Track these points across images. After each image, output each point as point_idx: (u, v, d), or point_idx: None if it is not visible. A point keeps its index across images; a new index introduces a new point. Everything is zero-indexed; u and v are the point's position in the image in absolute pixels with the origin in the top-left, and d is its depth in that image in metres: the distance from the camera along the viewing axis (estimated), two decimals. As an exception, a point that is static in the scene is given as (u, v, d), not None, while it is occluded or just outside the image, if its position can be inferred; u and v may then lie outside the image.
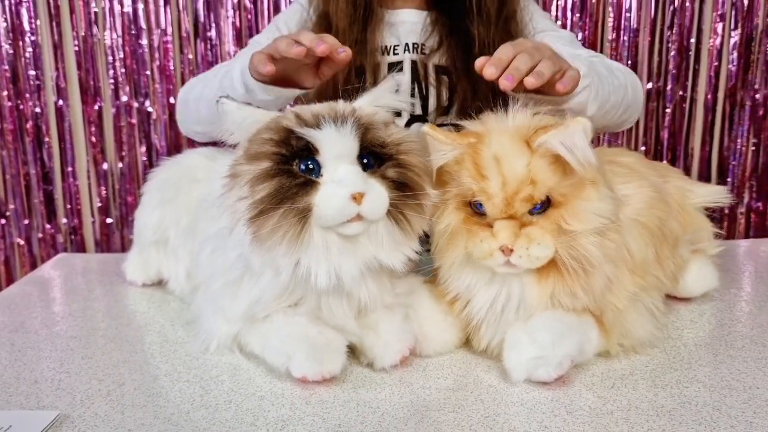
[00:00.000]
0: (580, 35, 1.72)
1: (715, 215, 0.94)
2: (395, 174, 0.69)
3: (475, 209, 0.71)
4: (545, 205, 0.68)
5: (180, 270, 0.95)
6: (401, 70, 1.06)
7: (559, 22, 1.71)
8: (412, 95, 1.06)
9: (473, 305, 0.75)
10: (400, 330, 0.75)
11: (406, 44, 1.07)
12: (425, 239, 0.75)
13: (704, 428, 0.62)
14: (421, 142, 0.75)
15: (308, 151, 0.67)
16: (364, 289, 0.72)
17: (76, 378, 0.74)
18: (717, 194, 0.93)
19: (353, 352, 0.76)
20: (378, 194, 0.67)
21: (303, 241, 0.66)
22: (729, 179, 1.82)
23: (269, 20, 1.68)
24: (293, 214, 0.65)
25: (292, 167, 0.67)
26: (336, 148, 0.67)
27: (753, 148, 1.80)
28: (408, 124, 1.07)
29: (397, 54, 1.07)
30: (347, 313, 0.73)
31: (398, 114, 1.06)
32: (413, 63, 1.07)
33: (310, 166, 0.67)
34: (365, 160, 0.69)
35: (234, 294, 0.75)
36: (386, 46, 1.07)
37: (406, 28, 1.09)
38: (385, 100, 0.75)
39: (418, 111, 1.07)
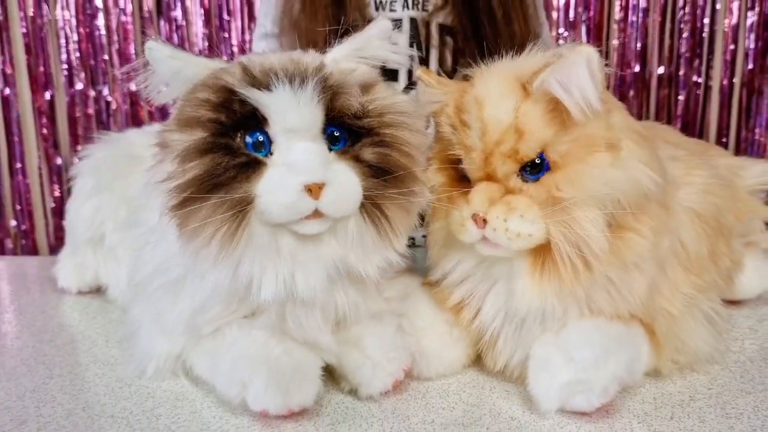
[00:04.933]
0: (584, 16, 1.59)
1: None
2: (373, 155, 0.53)
3: (458, 171, 0.58)
4: (540, 167, 0.53)
5: (120, 273, 0.79)
6: (399, 27, 0.93)
7: (562, 1, 1.57)
8: (410, 58, 0.92)
9: (485, 311, 0.58)
10: (391, 346, 0.59)
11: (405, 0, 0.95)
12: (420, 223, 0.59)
13: (810, 477, 0.45)
14: (418, 112, 0.59)
15: (256, 120, 0.51)
16: (342, 294, 0.56)
17: (-38, 415, 0.56)
18: (776, 173, 0.78)
19: (331, 375, 0.60)
20: (344, 185, 0.52)
21: (239, 241, 0.50)
22: (746, 173, 1.69)
23: (241, -3, 1.53)
24: (227, 207, 0.49)
25: (233, 141, 0.51)
26: (290, 119, 0.51)
27: (772, 139, 1.67)
28: (405, 91, 0.93)
29: (395, 11, 0.94)
30: (321, 326, 0.57)
31: (394, 78, 0.93)
32: (412, 21, 0.94)
33: (260, 139, 0.51)
34: (336, 133, 0.53)
35: (174, 297, 0.59)
36: (380, 1, 0.94)
37: None
38: (372, 50, 0.59)
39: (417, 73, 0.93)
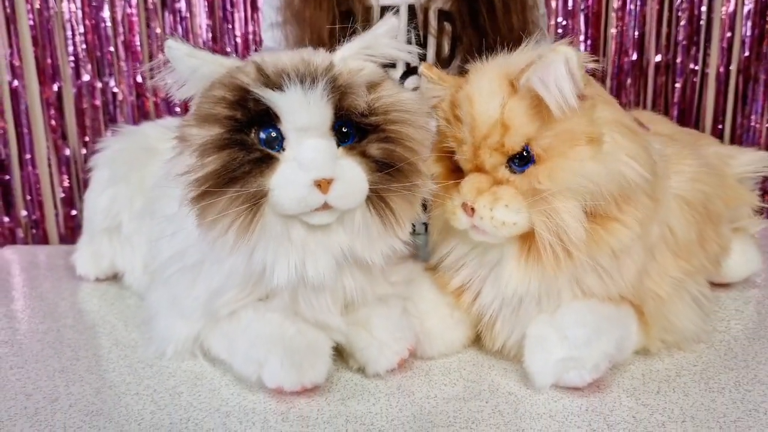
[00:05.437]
0: (583, 5, 1.60)
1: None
2: (379, 151, 0.56)
3: (454, 162, 0.61)
4: (527, 160, 0.56)
5: (136, 261, 0.82)
6: (397, 13, 0.91)
7: (560, -9, 1.59)
8: (408, 44, 0.93)
9: (484, 295, 0.62)
10: (397, 327, 0.62)
11: None
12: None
13: (783, 444, 0.49)
14: (422, 108, 0.61)
15: (269, 117, 0.54)
16: (350, 279, 0.60)
17: (-2, 393, 0.60)
18: (763, 161, 0.80)
19: (340, 354, 0.64)
20: (351, 180, 0.55)
21: (254, 231, 0.54)
22: (741, 159, 1.71)
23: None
24: (242, 200, 0.53)
25: (247, 136, 0.54)
26: (301, 118, 0.54)
27: None
28: (403, 78, 0.93)
29: None
30: (331, 308, 0.60)
31: (392, 65, 0.93)
32: (410, 7, 0.94)
33: (273, 135, 0.54)
34: (345, 129, 0.56)
35: (192, 281, 0.62)
36: None
37: None
38: (380, 48, 0.61)
39: (415, 62, 0.92)
